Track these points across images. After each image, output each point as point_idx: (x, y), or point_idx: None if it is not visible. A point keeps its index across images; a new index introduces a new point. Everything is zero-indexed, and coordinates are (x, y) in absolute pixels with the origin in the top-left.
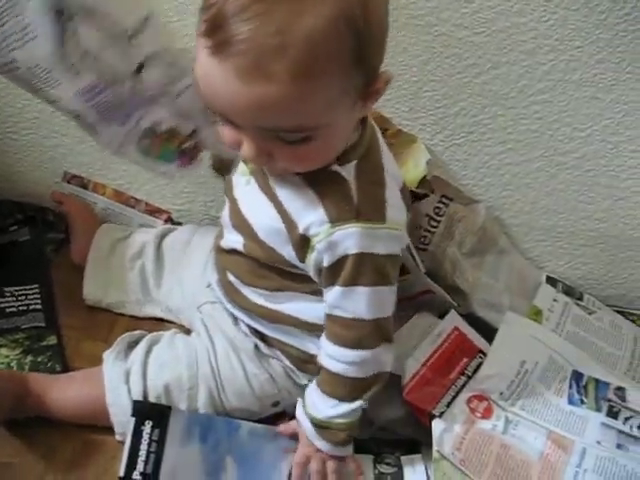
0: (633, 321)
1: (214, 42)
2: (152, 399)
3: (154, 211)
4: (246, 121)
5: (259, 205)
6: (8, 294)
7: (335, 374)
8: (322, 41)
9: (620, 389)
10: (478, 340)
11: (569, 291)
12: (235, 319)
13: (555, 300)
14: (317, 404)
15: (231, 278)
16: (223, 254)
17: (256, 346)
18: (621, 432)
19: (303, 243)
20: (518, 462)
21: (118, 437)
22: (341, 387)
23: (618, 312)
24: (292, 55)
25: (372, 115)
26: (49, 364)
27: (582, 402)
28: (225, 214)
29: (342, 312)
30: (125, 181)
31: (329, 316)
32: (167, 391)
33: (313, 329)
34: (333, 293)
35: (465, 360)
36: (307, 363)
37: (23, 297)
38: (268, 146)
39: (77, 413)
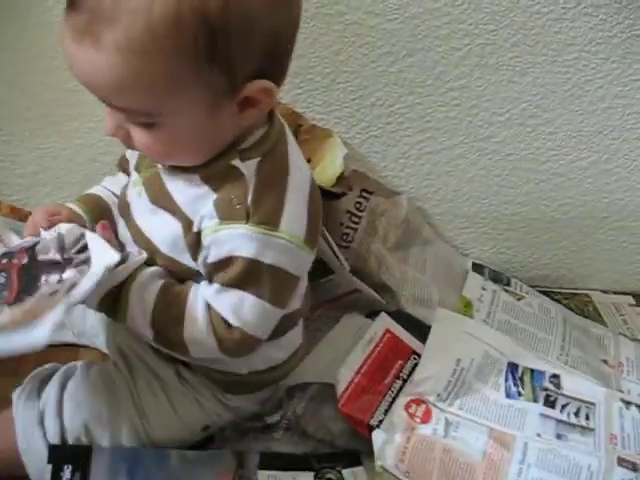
0: (559, 301)
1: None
2: (71, 440)
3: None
4: (87, 89)
5: (154, 216)
6: None
7: (190, 314)
8: (161, 26)
9: (555, 376)
10: (411, 341)
11: (496, 277)
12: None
13: (484, 289)
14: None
15: None
16: None
17: (178, 372)
18: (559, 421)
19: (197, 240)
20: (462, 465)
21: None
22: (175, 322)
23: (543, 293)
24: (124, 28)
25: (283, 111)
26: None
27: (519, 394)
28: (122, 231)
29: (216, 308)
30: (22, 196)
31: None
32: (87, 430)
33: None
34: (211, 289)
35: (399, 363)
36: (233, 385)
37: None
38: (124, 124)
39: None
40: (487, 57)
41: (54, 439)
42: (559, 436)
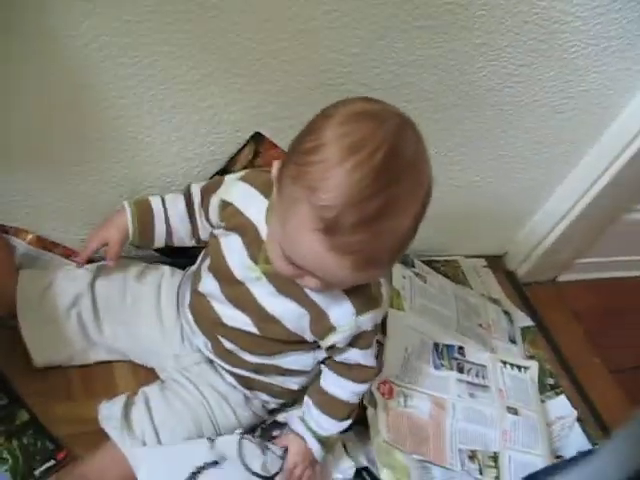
0: (438, 269)
1: (336, 242)
2: None
3: (70, 254)
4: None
5: (281, 302)
6: None
7: (344, 401)
8: (412, 232)
9: (461, 348)
10: None
11: (404, 259)
12: (221, 376)
13: (404, 277)
14: (323, 425)
15: (228, 345)
16: (218, 326)
17: (245, 396)
18: (469, 383)
19: (330, 330)
20: (419, 427)
21: None
22: (345, 410)
23: (427, 262)
24: (397, 248)
25: None
26: (39, 444)
27: (442, 365)
28: (213, 288)
29: (362, 362)
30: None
31: (346, 365)
32: None
33: (295, 374)
34: (354, 353)
35: None
36: (284, 395)
37: None
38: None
39: None
40: None
41: None
42: (471, 394)
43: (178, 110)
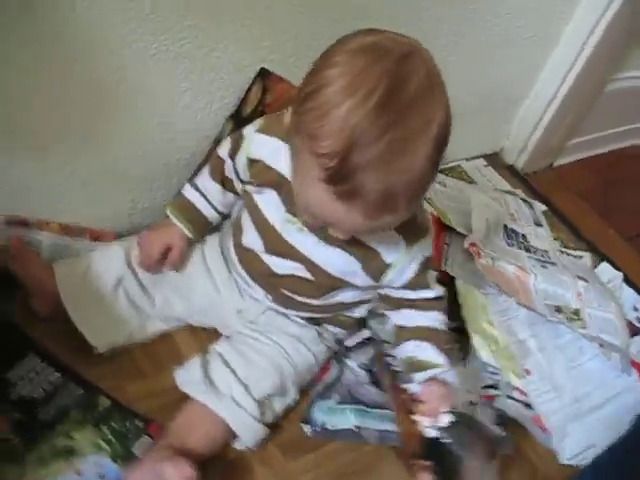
0: (447, 174)
1: (341, 190)
2: (260, 407)
3: (99, 236)
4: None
5: (327, 251)
6: (17, 379)
7: (437, 329)
8: (429, 173)
9: (524, 236)
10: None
11: None
12: (289, 318)
13: None
14: (430, 353)
15: (288, 294)
16: (274, 277)
17: (318, 332)
18: (537, 260)
19: (385, 267)
20: (508, 280)
21: (239, 446)
22: (442, 337)
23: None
24: (411, 191)
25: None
26: (129, 425)
27: (512, 244)
28: (258, 243)
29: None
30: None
31: (428, 300)
32: (269, 397)
33: (355, 305)
34: (426, 292)
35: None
36: (352, 324)
37: (34, 374)
38: None
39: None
40: None
41: (255, 412)
42: (543, 267)
43: (181, 60)
